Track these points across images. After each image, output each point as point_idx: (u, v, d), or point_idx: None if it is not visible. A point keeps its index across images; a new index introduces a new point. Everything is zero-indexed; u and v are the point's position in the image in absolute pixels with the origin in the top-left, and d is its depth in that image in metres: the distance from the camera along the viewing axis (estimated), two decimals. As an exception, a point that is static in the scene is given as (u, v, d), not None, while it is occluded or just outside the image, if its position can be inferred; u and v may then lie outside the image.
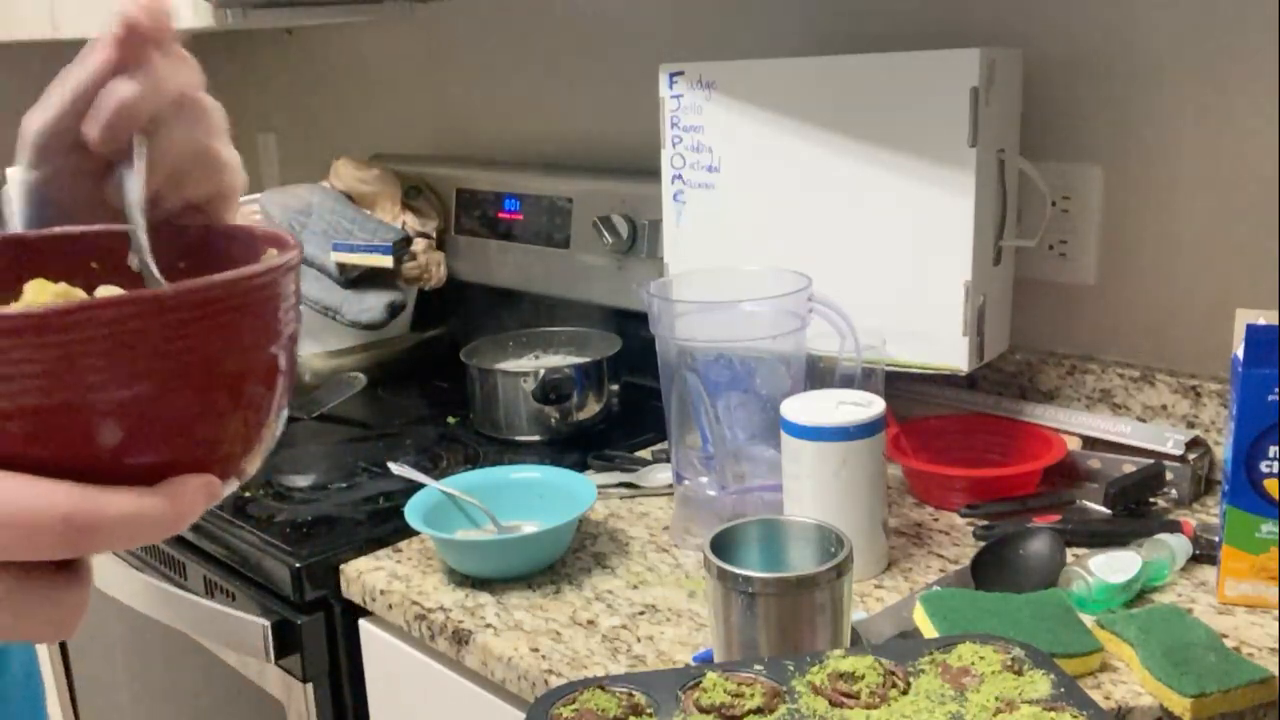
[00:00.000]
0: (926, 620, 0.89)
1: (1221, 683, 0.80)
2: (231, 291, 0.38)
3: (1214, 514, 1.10)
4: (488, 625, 1.00)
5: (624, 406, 1.50)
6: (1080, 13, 1.19)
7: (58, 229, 0.50)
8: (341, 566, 1.13)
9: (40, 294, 0.43)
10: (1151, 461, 1.13)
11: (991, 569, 0.99)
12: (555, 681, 0.90)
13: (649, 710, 0.67)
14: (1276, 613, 0.92)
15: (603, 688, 0.68)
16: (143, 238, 0.48)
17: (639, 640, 0.95)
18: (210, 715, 1.42)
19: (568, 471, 1.19)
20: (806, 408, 1.02)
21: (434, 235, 1.81)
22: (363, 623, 1.16)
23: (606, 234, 1.54)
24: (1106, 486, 1.11)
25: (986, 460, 1.19)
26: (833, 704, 0.66)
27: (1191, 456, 1.13)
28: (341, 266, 1.67)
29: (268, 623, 1.16)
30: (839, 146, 1.18)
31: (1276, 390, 0.88)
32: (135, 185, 0.48)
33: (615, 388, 1.49)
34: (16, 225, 0.51)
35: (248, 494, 1.32)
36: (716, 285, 1.16)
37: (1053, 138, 1.23)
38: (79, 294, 0.42)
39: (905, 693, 0.67)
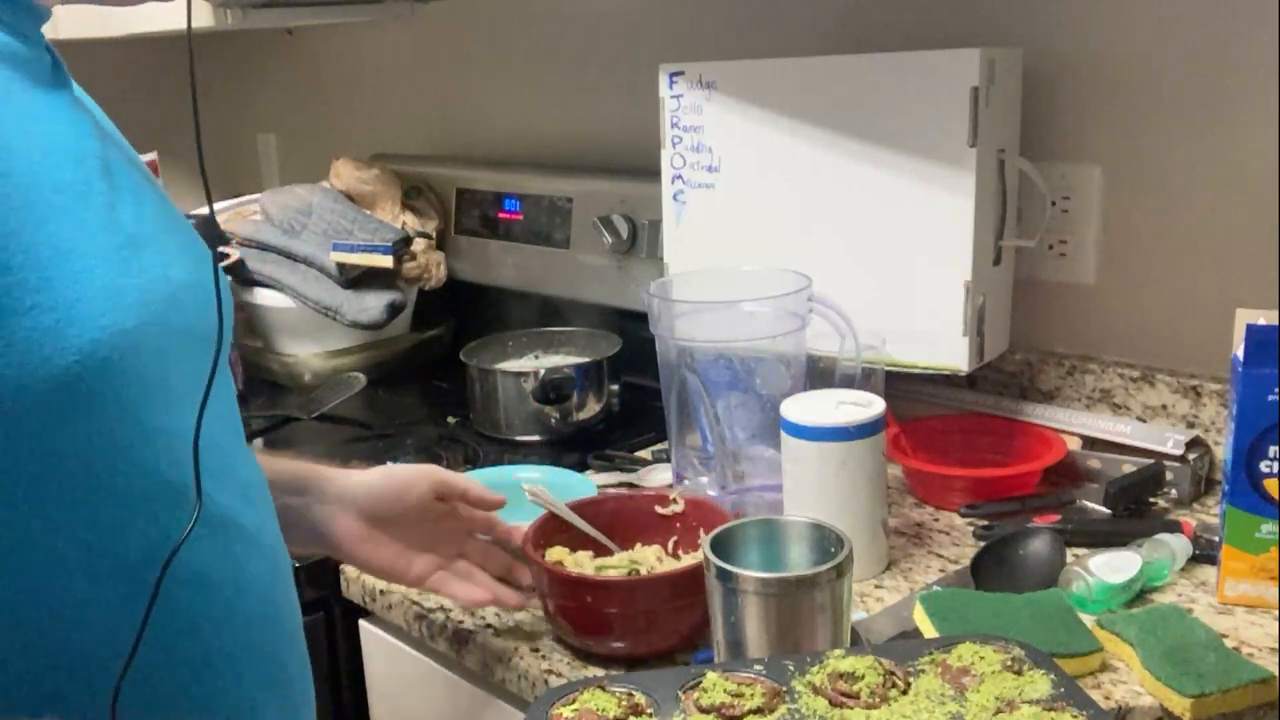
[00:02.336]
0: (926, 620, 0.89)
1: (1221, 683, 0.80)
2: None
3: (1214, 514, 1.10)
4: (488, 625, 1.00)
5: (624, 406, 1.50)
6: (1080, 13, 1.19)
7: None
8: (342, 567, 1.13)
9: (561, 555, 0.98)
10: (1151, 461, 1.13)
11: (991, 569, 0.99)
12: (555, 681, 0.90)
13: (649, 710, 0.67)
14: (1276, 613, 0.92)
15: (603, 688, 0.68)
16: (582, 524, 1.01)
17: (639, 640, 0.95)
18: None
19: (568, 471, 1.19)
20: (806, 408, 1.02)
21: (434, 235, 1.81)
22: (363, 623, 1.16)
23: (606, 234, 1.54)
24: (1106, 486, 1.11)
25: (986, 460, 1.19)
26: (833, 704, 0.66)
27: (1191, 456, 1.13)
28: (341, 266, 1.66)
29: (268, 623, 1.15)
30: (839, 146, 1.18)
31: (1276, 390, 0.88)
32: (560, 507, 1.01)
33: (615, 388, 1.48)
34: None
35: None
36: (716, 285, 1.16)
37: (1053, 138, 1.23)
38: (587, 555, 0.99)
39: (905, 693, 0.67)
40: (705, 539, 0.81)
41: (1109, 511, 1.10)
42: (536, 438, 1.44)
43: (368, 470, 0.95)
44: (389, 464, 0.99)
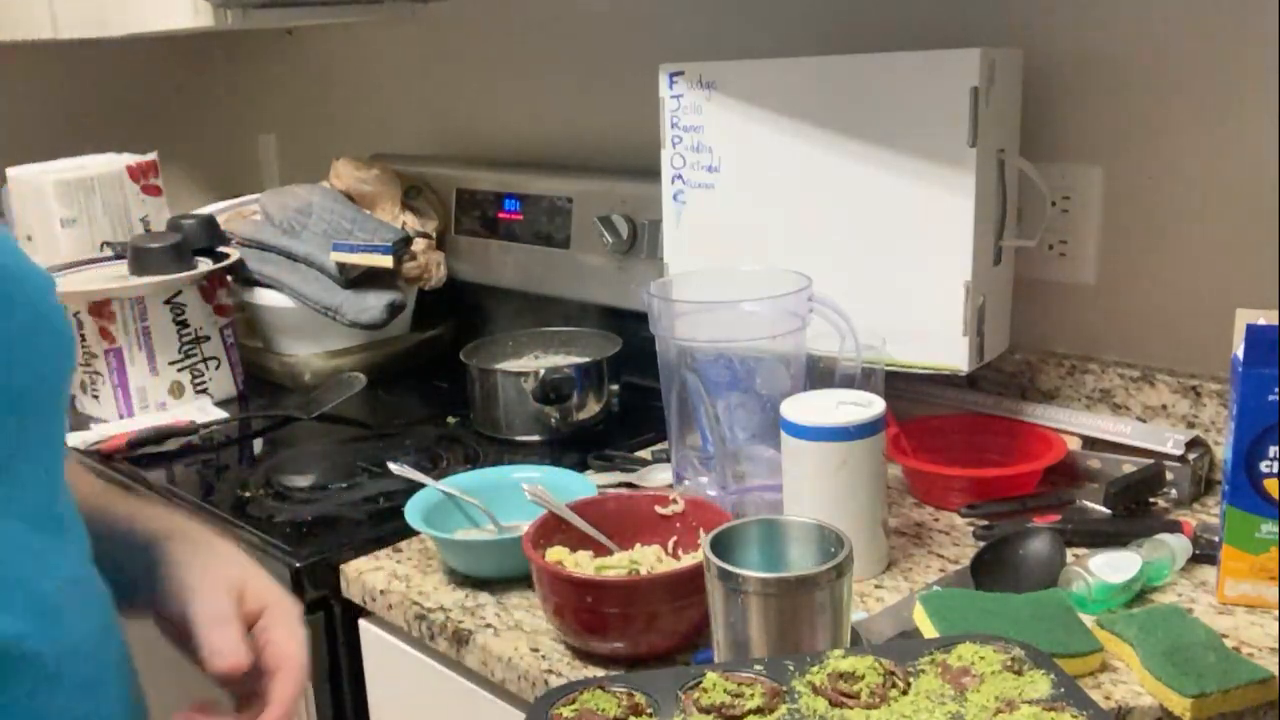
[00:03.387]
0: (926, 620, 0.89)
1: (1221, 683, 0.80)
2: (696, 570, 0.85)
3: (1214, 514, 1.10)
4: (488, 625, 1.00)
5: (624, 406, 1.49)
6: (1080, 13, 1.19)
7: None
8: (341, 566, 1.13)
9: (561, 555, 0.98)
10: (1151, 461, 1.13)
11: (991, 569, 0.99)
12: (555, 681, 0.90)
13: (649, 710, 0.67)
14: (1276, 613, 0.92)
15: (603, 688, 0.68)
16: (582, 524, 1.03)
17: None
18: (210, 715, 1.42)
19: (568, 471, 1.19)
20: (806, 408, 1.02)
21: (434, 235, 1.81)
22: (363, 623, 1.16)
23: (606, 234, 1.54)
24: (1106, 486, 1.11)
25: (986, 460, 1.19)
26: (833, 704, 0.66)
27: (1191, 456, 1.13)
28: (341, 266, 1.66)
29: (268, 623, 1.15)
30: (839, 146, 1.18)
31: (1276, 390, 0.88)
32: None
33: (615, 388, 1.48)
34: None
35: (248, 494, 1.32)
36: (716, 285, 1.16)
37: (1053, 138, 1.23)
38: (587, 555, 0.99)
39: (905, 693, 0.67)
40: (705, 539, 0.81)
41: (1109, 511, 1.09)
42: (536, 438, 1.44)
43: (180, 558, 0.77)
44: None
